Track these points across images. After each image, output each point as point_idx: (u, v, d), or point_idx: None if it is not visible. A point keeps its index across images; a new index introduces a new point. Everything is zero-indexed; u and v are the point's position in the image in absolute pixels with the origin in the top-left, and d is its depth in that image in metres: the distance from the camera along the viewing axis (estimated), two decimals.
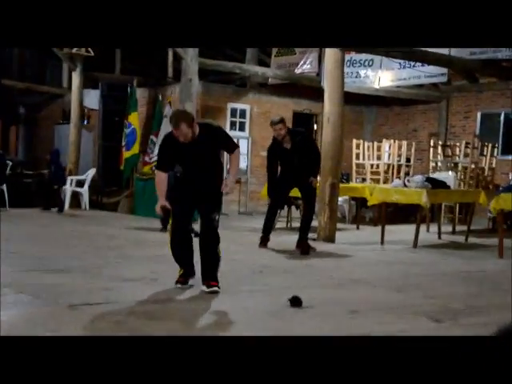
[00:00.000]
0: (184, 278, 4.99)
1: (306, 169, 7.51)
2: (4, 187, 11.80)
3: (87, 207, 12.74)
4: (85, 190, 12.84)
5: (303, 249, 7.43)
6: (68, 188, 12.80)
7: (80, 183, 13.00)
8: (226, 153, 5.39)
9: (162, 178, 4.91)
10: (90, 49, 13.03)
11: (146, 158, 12.55)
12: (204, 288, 4.86)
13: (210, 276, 4.89)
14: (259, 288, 5.17)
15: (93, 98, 14.30)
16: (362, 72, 12.62)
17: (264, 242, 7.71)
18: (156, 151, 12.28)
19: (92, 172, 13.12)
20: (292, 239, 8.16)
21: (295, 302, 4.49)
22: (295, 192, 8.15)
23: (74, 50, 13.06)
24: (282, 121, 7.53)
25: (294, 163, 7.46)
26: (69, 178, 12.98)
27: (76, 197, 12.98)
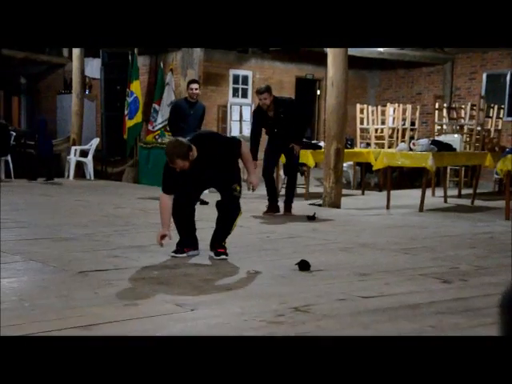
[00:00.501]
0: (179, 247, 4.91)
1: (290, 137, 7.56)
2: (9, 158, 11.80)
3: (92, 177, 12.74)
4: (89, 160, 12.83)
5: (286, 210, 7.72)
6: (72, 158, 12.78)
7: (84, 153, 12.98)
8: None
9: (166, 203, 4.67)
10: None
11: (150, 127, 12.49)
12: (212, 254, 4.87)
13: (218, 242, 4.88)
14: (267, 253, 5.18)
15: (94, 67, 14.18)
16: None
17: (271, 209, 7.70)
18: (159, 119, 12.23)
19: (95, 142, 13.08)
20: (297, 205, 8.16)
21: (304, 266, 4.50)
22: (300, 158, 8.16)
23: None
24: (267, 90, 7.55)
25: (277, 132, 7.61)
26: (73, 148, 12.95)
27: (80, 167, 12.98)
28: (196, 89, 8.34)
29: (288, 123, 7.53)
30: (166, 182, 4.72)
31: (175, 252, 4.89)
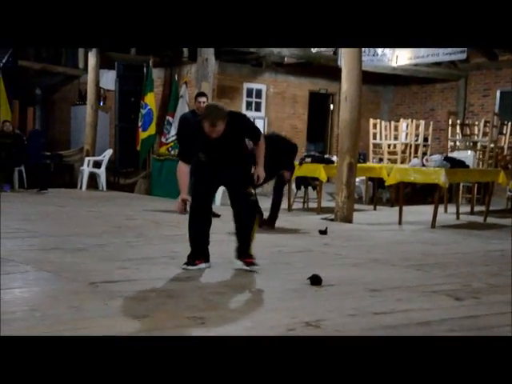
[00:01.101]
0: (191, 259, 4.87)
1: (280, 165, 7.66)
2: (22, 168, 11.89)
3: (104, 188, 12.80)
4: (102, 171, 12.90)
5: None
6: (85, 169, 12.86)
7: (97, 164, 13.06)
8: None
9: (184, 170, 4.70)
10: None
11: (163, 139, 12.56)
12: (240, 265, 4.81)
13: (245, 253, 4.82)
14: (278, 267, 5.17)
15: (109, 79, 14.30)
16: (380, 50, 12.48)
17: (265, 222, 7.54)
18: (172, 132, 12.29)
19: (109, 153, 13.16)
20: (310, 219, 8.15)
21: (315, 280, 4.48)
22: (312, 172, 8.15)
23: None
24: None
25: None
26: (86, 159, 13.04)
27: (93, 178, 13.05)
28: (204, 102, 8.20)
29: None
30: (183, 149, 4.77)
31: (187, 264, 4.87)
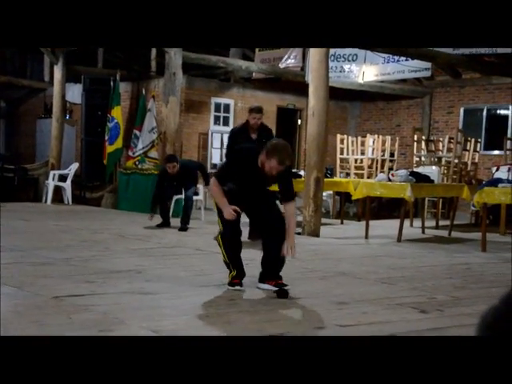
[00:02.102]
0: (239, 280, 4.74)
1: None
2: None
3: (70, 202, 12.64)
4: (67, 185, 12.74)
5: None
6: (50, 182, 12.69)
7: (62, 178, 12.90)
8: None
9: (220, 189, 4.55)
10: None
11: (130, 153, 12.47)
12: (272, 288, 4.65)
13: (277, 274, 4.71)
14: (246, 280, 5.15)
15: (75, 92, 14.19)
16: (346, 67, 12.65)
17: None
18: (139, 146, 12.21)
19: (75, 166, 13.01)
20: None
21: (282, 293, 4.48)
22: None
23: None
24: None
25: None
26: (51, 173, 12.86)
27: (58, 192, 12.87)
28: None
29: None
30: (226, 174, 4.60)
31: (239, 285, 4.71)
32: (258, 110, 7.45)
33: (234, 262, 4.75)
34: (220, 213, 4.63)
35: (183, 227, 8.78)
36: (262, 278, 4.78)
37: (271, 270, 4.71)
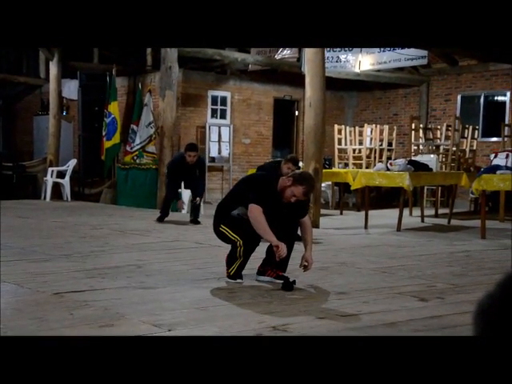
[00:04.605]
0: (239, 272, 4.73)
1: None
2: None
3: (69, 198, 12.63)
4: (66, 181, 12.73)
5: None
6: (49, 179, 12.68)
7: (61, 174, 12.88)
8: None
9: (261, 214, 4.40)
10: None
11: (128, 148, 12.45)
12: (272, 280, 4.68)
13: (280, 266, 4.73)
14: (246, 272, 5.15)
15: (71, 88, 14.15)
16: (343, 56, 12.62)
17: None
18: (137, 140, 12.19)
19: (73, 163, 13.00)
20: None
21: (287, 285, 4.49)
22: None
23: None
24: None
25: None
26: (49, 169, 12.85)
27: (57, 188, 12.87)
28: (194, 156, 8.58)
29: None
30: (262, 198, 4.46)
31: (234, 279, 4.72)
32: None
33: (243, 263, 4.71)
34: (235, 226, 4.56)
35: (195, 220, 8.76)
36: (263, 270, 4.78)
37: (276, 262, 4.65)
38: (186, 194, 9.60)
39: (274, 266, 4.72)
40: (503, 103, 13.16)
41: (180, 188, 9.22)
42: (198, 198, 8.79)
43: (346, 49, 12.54)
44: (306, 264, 4.59)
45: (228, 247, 4.77)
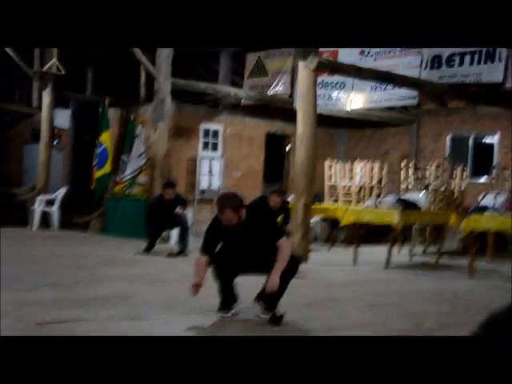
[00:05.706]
0: (228, 305, 4.71)
1: None
2: None
3: (56, 227, 12.53)
4: (54, 210, 12.64)
5: None
6: (37, 208, 12.59)
7: (50, 202, 12.81)
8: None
9: (202, 263, 4.46)
10: (60, 67, 12.91)
11: (118, 178, 12.43)
12: (261, 315, 4.64)
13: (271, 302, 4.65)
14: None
15: (63, 118, 14.17)
16: (334, 94, 12.74)
17: None
18: (128, 171, 12.19)
19: (62, 191, 12.93)
20: None
21: (275, 320, 4.45)
22: None
23: (45, 69, 12.93)
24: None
25: None
26: (38, 198, 12.77)
27: (45, 217, 12.77)
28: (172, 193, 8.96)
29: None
30: (206, 242, 4.48)
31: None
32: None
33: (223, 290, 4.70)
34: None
35: (182, 252, 8.73)
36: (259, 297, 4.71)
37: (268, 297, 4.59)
38: (173, 232, 9.71)
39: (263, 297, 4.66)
40: (492, 145, 13.31)
41: (163, 229, 9.25)
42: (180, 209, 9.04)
43: (338, 87, 12.68)
44: (271, 286, 4.39)
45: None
